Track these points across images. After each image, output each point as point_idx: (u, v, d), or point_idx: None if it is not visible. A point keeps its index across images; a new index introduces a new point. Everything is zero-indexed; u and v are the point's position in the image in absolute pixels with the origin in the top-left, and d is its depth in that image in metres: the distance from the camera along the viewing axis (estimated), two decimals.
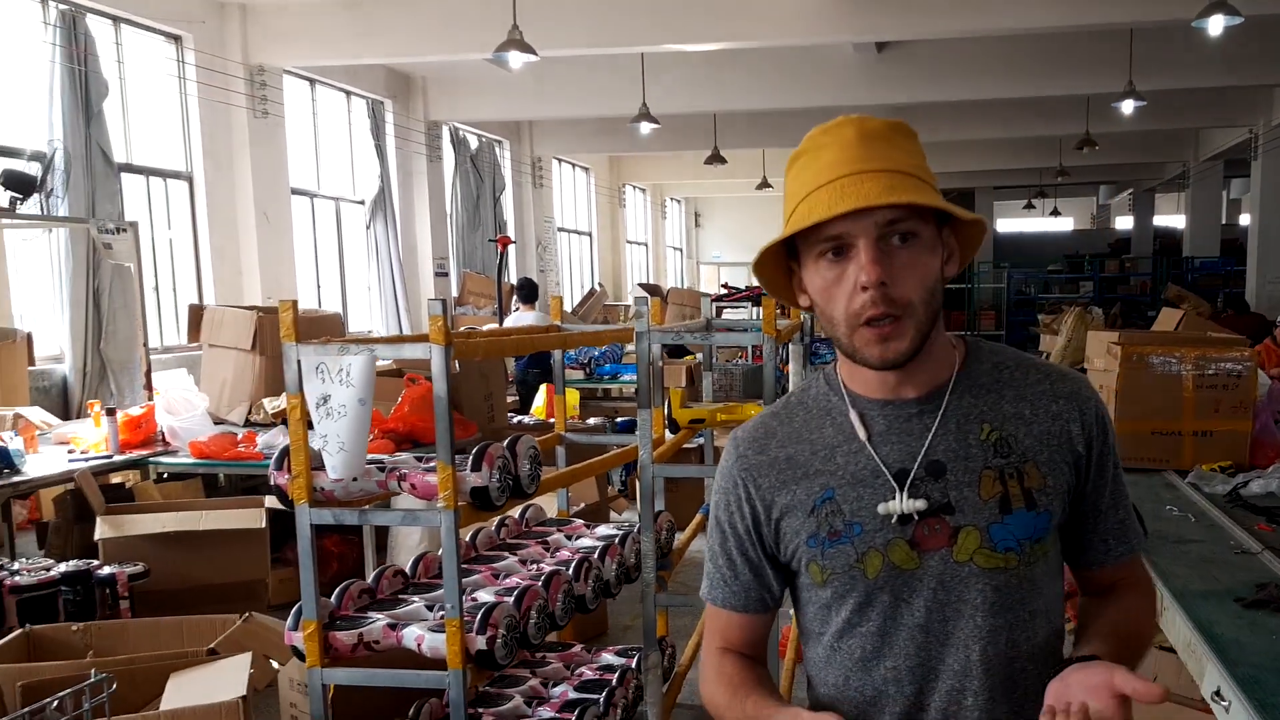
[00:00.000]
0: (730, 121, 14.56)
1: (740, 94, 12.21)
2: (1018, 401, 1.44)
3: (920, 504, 1.38)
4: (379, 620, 2.83)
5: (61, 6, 7.90)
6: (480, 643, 2.69)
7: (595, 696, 3.48)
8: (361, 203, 12.26)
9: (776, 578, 1.52)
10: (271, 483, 2.76)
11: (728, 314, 9.50)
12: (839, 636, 1.45)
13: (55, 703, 2.00)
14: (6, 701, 2.78)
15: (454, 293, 13.80)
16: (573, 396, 8.41)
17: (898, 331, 1.34)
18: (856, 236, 1.32)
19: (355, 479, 2.69)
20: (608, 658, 3.89)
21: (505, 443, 2.84)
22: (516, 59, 8.10)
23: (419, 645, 2.74)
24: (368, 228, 12.30)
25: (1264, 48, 10.76)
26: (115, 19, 8.65)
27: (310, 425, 2.64)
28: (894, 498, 1.39)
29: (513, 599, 2.86)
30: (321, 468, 2.67)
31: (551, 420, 5.64)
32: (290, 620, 2.81)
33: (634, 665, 3.76)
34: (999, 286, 23.37)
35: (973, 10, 8.81)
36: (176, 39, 9.32)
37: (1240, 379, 4.32)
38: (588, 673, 3.74)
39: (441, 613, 2.83)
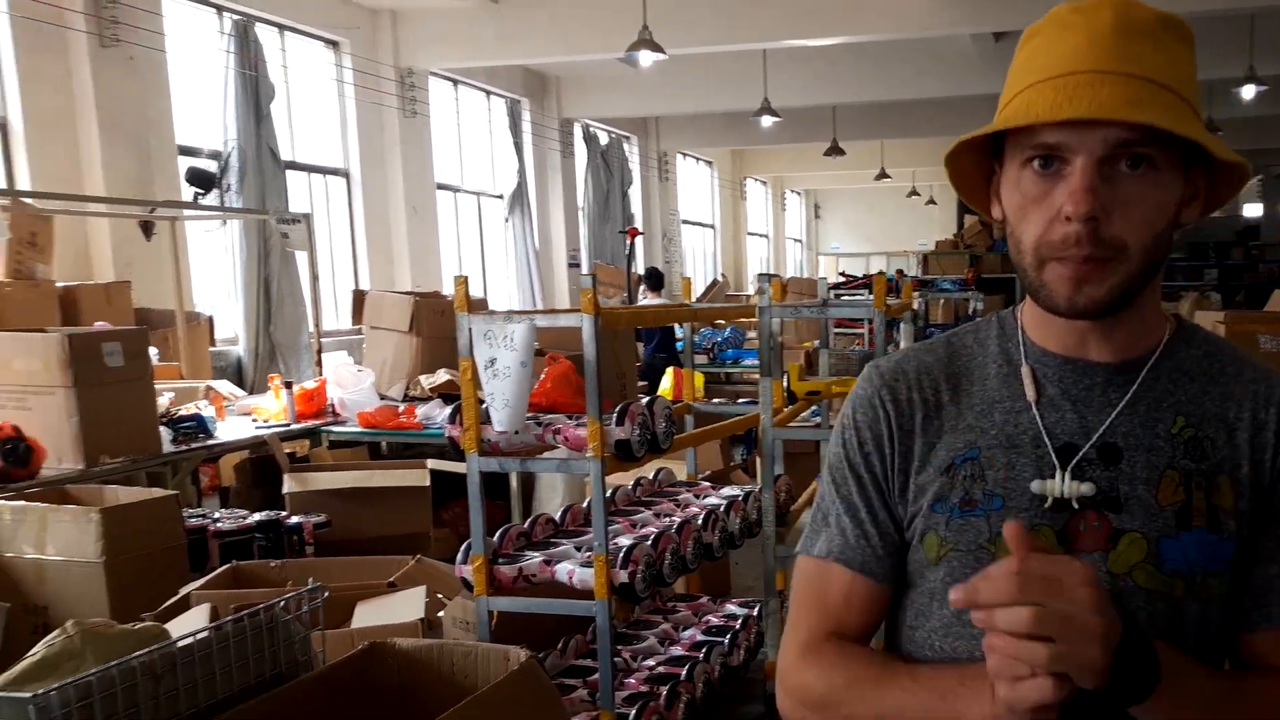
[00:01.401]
0: (849, 113, 14.64)
1: (858, 87, 12.32)
2: (1224, 401, 1.14)
3: (1086, 488, 1.09)
4: (535, 557, 3.18)
5: (235, 17, 8.49)
6: (623, 576, 3.01)
7: (720, 640, 3.78)
8: (500, 197, 12.75)
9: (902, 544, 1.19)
10: (445, 435, 3.12)
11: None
12: (942, 635, 1.14)
13: (282, 603, 2.37)
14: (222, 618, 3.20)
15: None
16: (698, 379, 8.72)
17: (1098, 275, 1.04)
18: (1075, 152, 1.02)
19: (516, 432, 3.04)
20: (731, 608, 4.18)
21: (644, 403, 3.15)
22: (646, 58, 8.42)
23: (570, 578, 3.07)
24: (506, 220, 12.78)
25: None
26: (281, 27, 9.25)
27: (478, 385, 2.99)
28: (1054, 475, 1.10)
29: (650, 541, 3.17)
30: (488, 422, 3.02)
31: (678, 401, 5.97)
32: (460, 555, 3.17)
33: (755, 614, 4.05)
34: None
35: None
36: (335, 44, 9.89)
37: None
38: (713, 620, 4.04)
39: (589, 551, 3.16)
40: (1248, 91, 10.52)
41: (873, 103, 13.95)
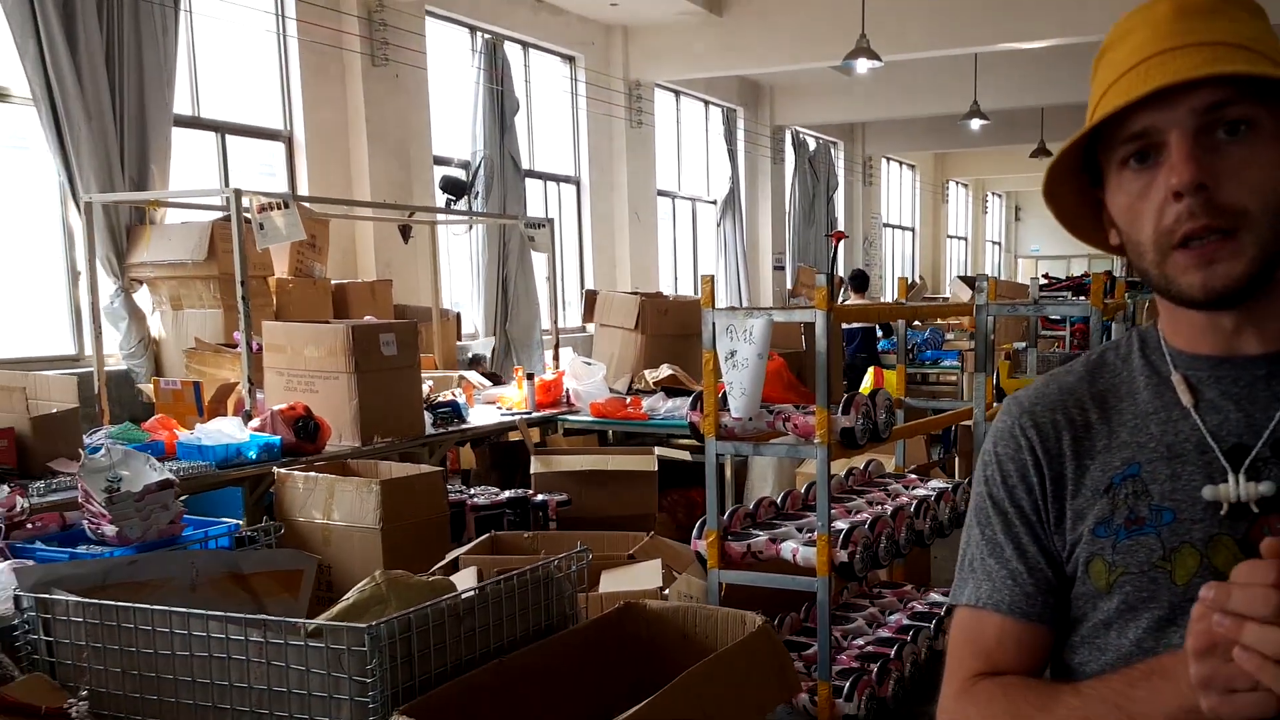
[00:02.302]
0: (1057, 114, 14.18)
1: (1068, 88, 11.86)
2: None
3: (1264, 488, 0.96)
4: (761, 536, 3.37)
5: (485, 36, 9.03)
6: (843, 556, 3.17)
7: (926, 624, 3.88)
8: (714, 202, 13.00)
9: (1061, 580, 1.08)
10: (687, 421, 3.35)
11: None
12: (1124, 667, 0.98)
13: (556, 562, 2.65)
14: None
15: (788, 284, 14.31)
16: (893, 378, 8.73)
17: (1227, 250, 0.94)
18: (1166, 130, 0.95)
19: (751, 419, 3.24)
20: (934, 596, 4.26)
21: (867, 395, 3.30)
22: (863, 65, 8.48)
23: (794, 556, 3.26)
24: (718, 225, 13.02)
25: None
26: (525, 45, 9.75)
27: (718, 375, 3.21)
28: (1226, 480, 0.98)
29: (867, 524, 3.32)
30: (725, 409, 3.23)
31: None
32: (695, 531, 3.40)
33: None
34: None
35: None
36: (571, 59, 10.35)
37: None
38: (918, 606, 4.14)
39: (810, 532, 3.33)
40: None
41: (1082, 104, 13.45)
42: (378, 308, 7.02)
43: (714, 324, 3.22)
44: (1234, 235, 0.94)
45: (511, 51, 9.43)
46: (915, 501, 3.67)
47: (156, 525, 3.13)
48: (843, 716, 3.18)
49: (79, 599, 2.35)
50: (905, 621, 3.87)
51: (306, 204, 6.82)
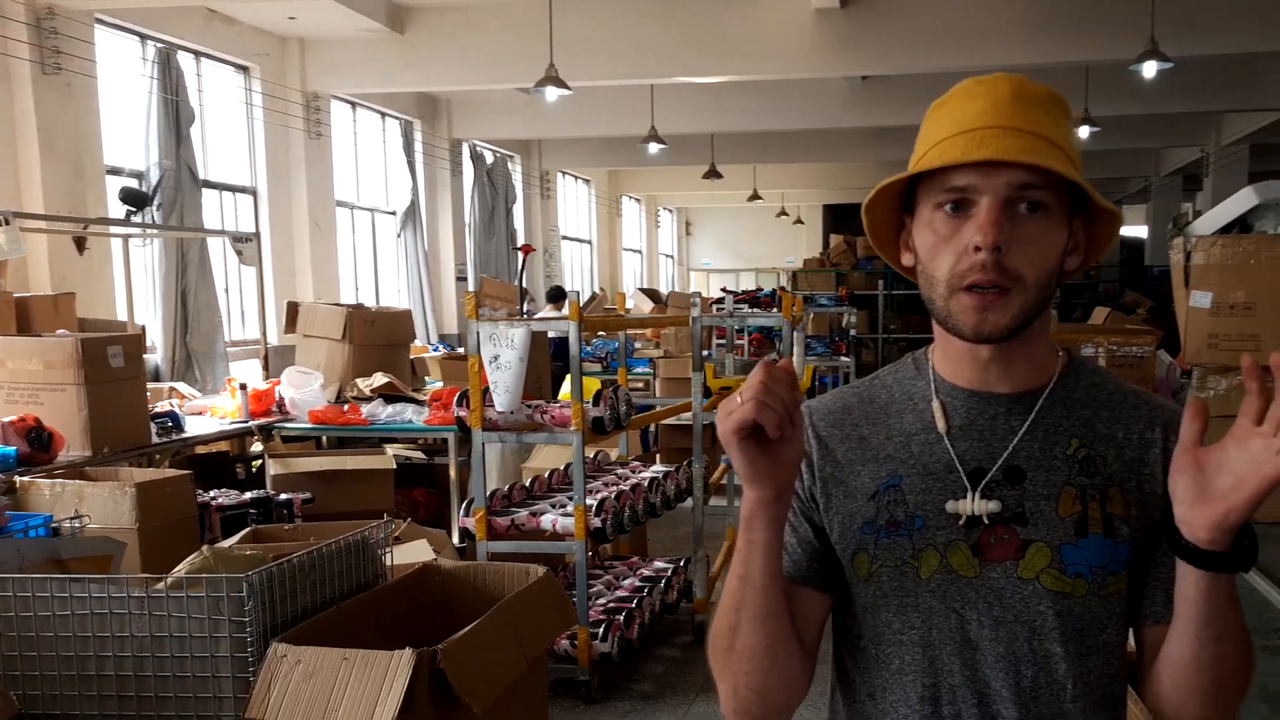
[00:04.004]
0: (726, 139, 15.92)
1: (737, 117, 13.57)
2: (1112, 423, 1.33)
3: (993, 506, 1.28)
4: (523, 512, 4.17)
5: (158, 45, 9.19)
6: (596, 522, 4.03)
7: (656, 584, 4.83)
8: (393, 213, 13.57)
9: (828, 555, 1.38)
10: (454, 415, 4.10)
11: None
12: (876, 642, 1.34)
13: (368, 530, 3.33)
14: None
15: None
16: (594, 384, 9.81)
17: (1001, 304, 1.23)
18: (982, 192, 1.22)
19: (513, 412, 4.03)
20: (659, 564, 5.24)
21: (611, 390, 4.19)
22: (552, 93, 9.46)
23: (554, 525, 4.08)
24: (398, 236, 13.60)
25: (1204, 80, 12.16)
26: (197, 54, 9.96)
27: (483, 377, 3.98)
28: (965, 496, 1.29)
29: (613, 496, 4.21)
30: (490, 405, 4.01)
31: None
32: (462, 510, 4.15)
33: (681, 565, 5.11)
34: None
35: (945, 50, 10.16)
36: (245, 70, 10.63)
37: (1142, 360, 5.72)
38: (645, 572, 5.09)
39: (564, 507, 4.17)
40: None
41: (749, 132, 15.27)
42: (62, 322, 7.11)
43: (479, 333, 3.99)
44: (1008, 293, 1.22)
45: (185, 61, 9.63)
46: (647, 480, 4.62)
47: None
48: (599, 654, 4.04)
49: None
50: (637, 583, 4.80)
51: None
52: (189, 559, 3.19)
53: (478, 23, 10.81)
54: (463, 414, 4.06)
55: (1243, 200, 3.02)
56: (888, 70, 11.26)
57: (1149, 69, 9.10)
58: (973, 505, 1.28)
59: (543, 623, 3.34)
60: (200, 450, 6.60)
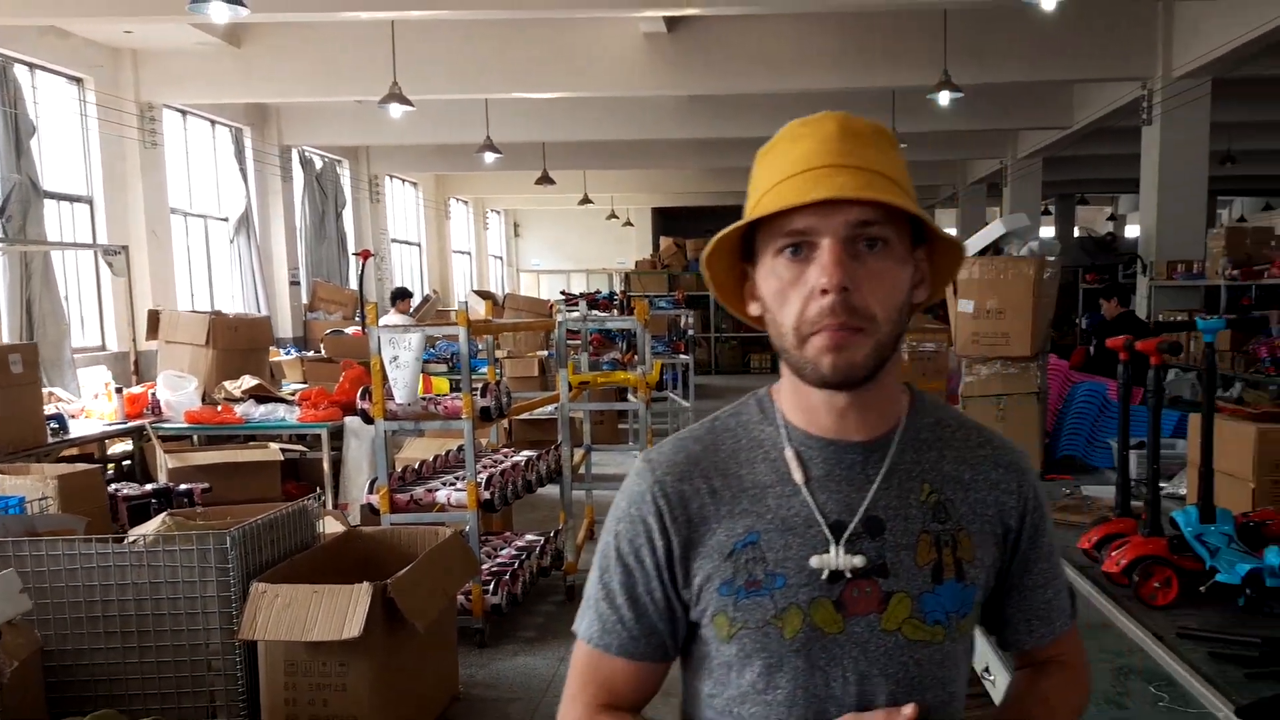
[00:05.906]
0: (556, 146, 16.88)
1: (571, 127, 14.56)
2: (958, 464, 1.35)
3: (859, 561, 1.27)
4: (419, 488, 5.02)
5: None
6: (486, 495, 4.92)
7: (535, 548, 5.76)
8: (226, 220, 14.01)
9: (681, 624, 1.36)
10: (358, 406, 4.92)
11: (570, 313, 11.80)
12: (740, 702, 1.31)
13: (304, 501, 4.15)
14: None
15: (304, 300, 15.61)
16: (445, 384, 10.63)
17: (854, 342, 1.21)
18: (821, 234, 1.20)
19: (410, 404, 4.87)
20: (530, 536, 6.15)
21: (496, 383, 5.08)
22: (396, 110, 10.24)
23: (448, 500, 4.95)
24: (232, 242, 14.05)
25: (995, 104, 13.80)
26: (31, 66, 10.31)
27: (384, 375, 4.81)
28: (828, 550, 1.27)
29: (499, 472, 5.10)
30: (390, 397, 4.84)
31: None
32: (367, 488, 4.96)
33: (551, 536, 6.04)
34: None
35: (762, 74, 11.32)
36: (79, 81, 11.01)
37: (936, 354, 6.92)
38: (518, 542, 6.00)
39: (455, 484, 5.03)
40: (943, 98, 10.58)
41: (577, 142, 16.26)
42: None
43: (379, 337, 4.82)
44: (861, 332, 1.21)
45: (21, 74, 9.99)
46: (525, 460, 5.53)
47: None
48: (491, 606, 4.95)
49: None
50: (514, 552, 5.70)
51: None
52: (154, 525, 3.97)
53: (316, 37, 11.50)
54: (366, 406, 4.88)
55: (994, 229, 4.00)
56: (710, 91, 12.39)
57: (944, 98, 10.43)
58: (838, 560, 1.27)
59: (456, 569, 4.24)
60: (70, 451, 7.16)
